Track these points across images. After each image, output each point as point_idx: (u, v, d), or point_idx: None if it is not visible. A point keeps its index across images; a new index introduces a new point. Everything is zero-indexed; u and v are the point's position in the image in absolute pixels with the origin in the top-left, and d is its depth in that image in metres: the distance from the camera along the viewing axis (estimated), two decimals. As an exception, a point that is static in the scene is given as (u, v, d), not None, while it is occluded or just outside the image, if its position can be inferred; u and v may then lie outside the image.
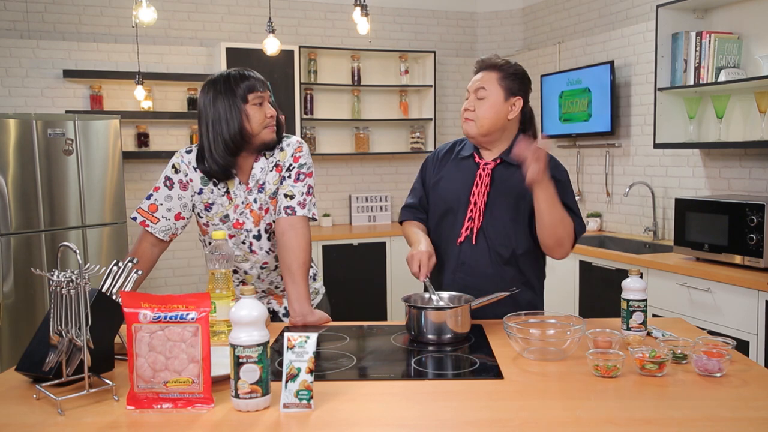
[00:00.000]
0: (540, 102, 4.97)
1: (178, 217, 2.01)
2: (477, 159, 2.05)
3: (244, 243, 2.05)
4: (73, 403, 1.33)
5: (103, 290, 1.51)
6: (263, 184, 2.04)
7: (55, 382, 1.40)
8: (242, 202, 2.02)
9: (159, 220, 1.98)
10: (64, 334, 1.36)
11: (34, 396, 1.38)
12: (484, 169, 2.02)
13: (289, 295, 1.97)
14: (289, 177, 2.04)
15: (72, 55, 4.64)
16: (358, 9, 3.78)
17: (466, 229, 2.01)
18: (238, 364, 1.26)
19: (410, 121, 5.49)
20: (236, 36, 5.11)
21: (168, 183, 2.00)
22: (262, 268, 2.10)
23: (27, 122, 3.98)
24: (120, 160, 4.32)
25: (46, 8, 4.64)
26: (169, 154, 2.05)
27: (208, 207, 2.02)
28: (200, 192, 2.01)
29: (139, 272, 1.60)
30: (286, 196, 2.02)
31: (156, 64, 4.83)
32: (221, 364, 1.44)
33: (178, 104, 4.91)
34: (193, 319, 1.30)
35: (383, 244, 5.00)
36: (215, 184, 2.01)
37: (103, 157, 4.25)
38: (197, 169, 1.99)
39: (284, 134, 2.09)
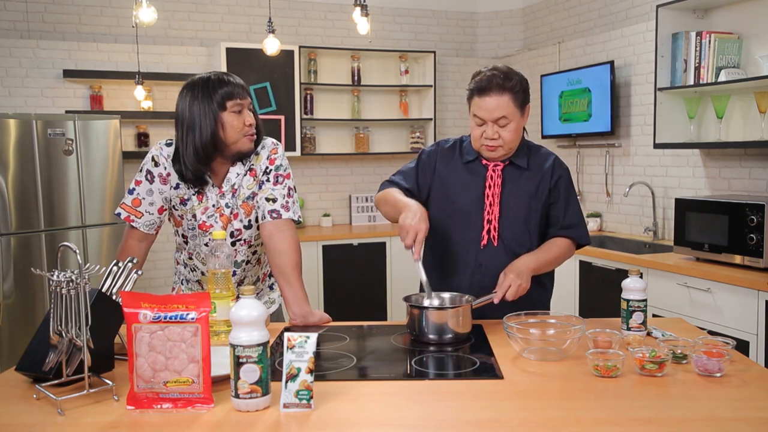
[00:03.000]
0: (540, 102, 4.97)
1: (161, 210, 2.00)
2: (484, 161, 2.04)
3: (207, 245, 2.01)
4: (73, 403, 1.33)
5: (103, 290, 1.52)
6: (237, 188, 2.01)
7: (55, 382, 1.40)
8: (213, 206, 2.00)
9: (143, 215, 1.97)
10: (64, 334, 1.36)
11: (34, 396, 1.38)
12: (494, 171, 2.02)
13: (286, 298, 1.95)
14: (268, 181, 2.01)
15: (72, 55, 4.64)
16: (358, 9, 3.78)
17: (486, 232, 2.01)
18: (238, 364, 1.26)
19: (410, 121, 5.49)
20: (236, 36, 5.11)
21: (149, 176, 1.97)
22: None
23: (27, 122, 3.98)
24: (120, 160, 4.32)
25: (46, 8, 4.63)
26: (170, 155, 2.05)
27: (183, 202, 2.00)
28: (177, 187, 1.99)
29: (140, 272, 1.60)
30: (267, 200, 1.99)
31: (156, 64, 4.83)
32: (221, 364, 1.44)
33: (178, 104, 4.91)
34: (193, 319, 1.30)
35: (383, 244, 5.00)
36: (177, 188, 1.99)
37: (103, 157, 4.25)
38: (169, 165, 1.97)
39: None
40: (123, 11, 4.76)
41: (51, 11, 4.65)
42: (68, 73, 4.55)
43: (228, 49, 4.78)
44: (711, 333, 2.58)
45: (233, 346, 1.27)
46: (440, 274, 2.07)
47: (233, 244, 2.04)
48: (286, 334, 1.31)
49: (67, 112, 4.53)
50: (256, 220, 2.04)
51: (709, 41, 3.38)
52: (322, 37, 5.35)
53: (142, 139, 4.81)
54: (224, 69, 4.76)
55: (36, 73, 4.56)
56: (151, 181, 1.97)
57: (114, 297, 1.52)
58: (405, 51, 5.43)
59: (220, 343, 1.66)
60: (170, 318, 1.30)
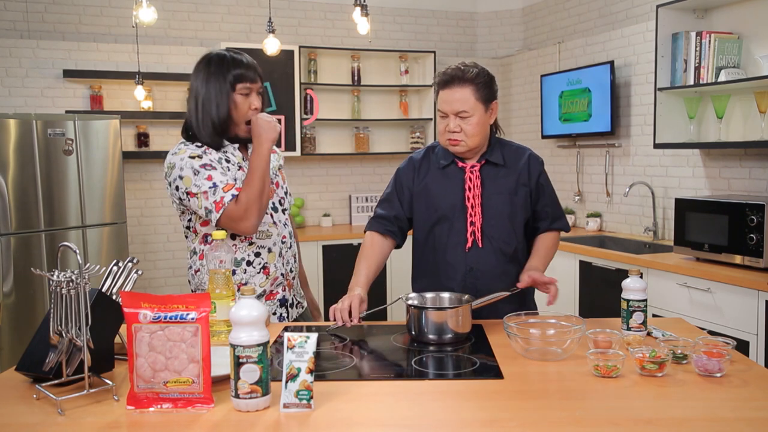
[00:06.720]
0: (540, 102, 4.97)
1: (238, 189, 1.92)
2: (460, 164, 2.04)
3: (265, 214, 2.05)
4: (73, 403, 1.33)
5: (103, 290, 1.52)
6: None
7: (55, 382, 1.40)
8: None
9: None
10: (64, 334, 1.36)
11: (34, 396, 1.38)
12: (472, 172, 2.02)
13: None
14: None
15: (72, 55, 4.64)
16: (358, 9, 3.78)
17: (471, 234, 2.01)
18: (238, 364, 1.26)
19: (410, 121, 5.49)
20: (236, 36, 5.11)
21: (209, 166, 1.91)
22: (282, 242, 2.10)
23: (27, 122, 3.98)
24: (120, 160, 4.32)
25: (46, 8, 4.63)
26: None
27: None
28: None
29: (140, 272, 1.60)
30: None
31: (156, 64, 4.82)
32: (221, 364, 1.44)
33: (178, 104, 4.90)
34: (193, 319, 1.30)
35: (383, 244, 4.99)
36: (228, 161, 1.99)
37: (103, 157, 4.25)
38: (210, 151, 1.96)
39: None
40: (123, 11, 4.76)
41: (51, 11, 4.65)
42: (68, 73, 4.55)
43: (228, 49, 4.77)
44: (711, 333, 2.58)
45: (233, 346, 1.27)
46: (433, 281, 2.06)
47: (283, 212, 2.13)
48: (286, 334, 1.31)
49: (67, 112, 4.53)
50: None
51: (709, 41, 3.38)
52: (322, 37, 5.35)
53: (142, 139, 4.80)
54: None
55: (36, 73, 4.56)
56: (216, 168, 1.92)
57: (114, 297, 1.52)
58: (405, 51, 5.43)
59: (220, 343, 1.66)
60: (170, 318, 1.30)
